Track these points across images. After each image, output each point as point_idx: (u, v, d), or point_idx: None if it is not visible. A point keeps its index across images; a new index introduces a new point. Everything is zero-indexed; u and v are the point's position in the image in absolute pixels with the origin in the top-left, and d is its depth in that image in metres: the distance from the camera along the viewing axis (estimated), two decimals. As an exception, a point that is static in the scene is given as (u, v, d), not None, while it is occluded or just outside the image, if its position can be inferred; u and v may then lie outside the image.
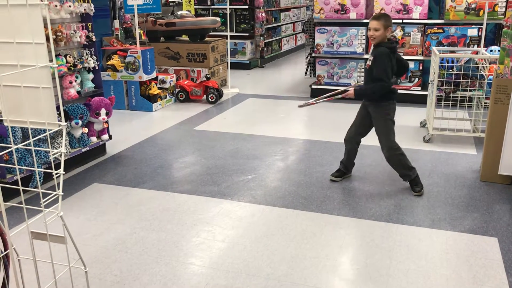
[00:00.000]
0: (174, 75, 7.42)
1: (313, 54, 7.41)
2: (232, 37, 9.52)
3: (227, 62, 8.22)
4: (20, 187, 1.74)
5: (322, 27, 7.13)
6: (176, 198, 3.82)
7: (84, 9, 4.42)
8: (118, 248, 3.05)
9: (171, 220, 3.44)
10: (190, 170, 4.41)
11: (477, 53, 5.85)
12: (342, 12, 6.96)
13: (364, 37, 6.93)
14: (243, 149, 4.98)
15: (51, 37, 1.72)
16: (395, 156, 3.82)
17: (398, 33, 6.71)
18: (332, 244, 3.09)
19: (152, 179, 4.21)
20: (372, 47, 3.80)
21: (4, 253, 2.01)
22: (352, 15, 6.93)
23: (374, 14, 3.81)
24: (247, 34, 10.09)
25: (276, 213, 3.54)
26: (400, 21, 6.73)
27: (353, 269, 2.82)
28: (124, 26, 8.22)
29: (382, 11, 6.75)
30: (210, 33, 8.49)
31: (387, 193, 3.86)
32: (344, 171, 4.13)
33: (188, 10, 8.84)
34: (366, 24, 6.94)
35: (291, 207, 3.62)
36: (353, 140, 4.03)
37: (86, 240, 3.14)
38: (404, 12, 6.68)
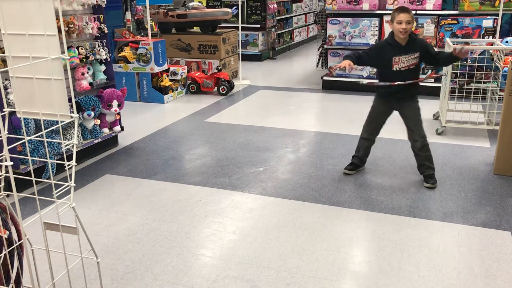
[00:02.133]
0: (186, 66, 7.42)
1: (325, 46, 7.36)
2: (243, 28, 9.48)
3: (239, 54, 8.20)
4: (33, 178, 1.76)
5: (334, 18, 7.06)
6: (187, 189, 3.84)
7: (96, 1, 4.42)
8: (130, 239, 3.08)
9: (182, 211, 3.46)
10: (201, 162, 4.42)
11: (492, 44, 5.76)
12: (354, 3, 6.89)
13: (377, 29, 6.86)
14: (254, 141, 4.98)
15: (63, 29, 1.72)
16: (426, 147, 3.80)
17: (412, 24, 6.62)
18: (343, 237, 3.08)
19: (163, 170, 4.23)
20: (395, 43, 3.66)
21: (18, 243, 2.03)
22: (365, 6, 6.85)
23: (397, 8, 3.62)
24: (259, 26, 10.05)
25: (287, 205, 3.54)
26: (414, 12, 6.63)
27: (364, 262, 2.82)
28: (135, 17, 8.23)
29: (396, 3, 6.67)
30: (222, 25, 8.45)
31: (398, 186, 3.83)
32: (358, 164, 4.10)
33: (199, 2, 8.82)
34: (378, 15, 6.87)
35: (302, 200, 3.62)
36: (373, 138, 4.02)
37: (98, 231, 3.17)
38: (418, 3, 6.59)
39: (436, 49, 6.24)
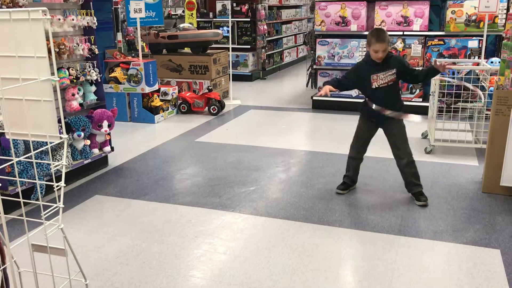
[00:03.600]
0: (176, 87, 7.45)
1: (315, 66, 7.45)
2: (234, 49, 9.58)
3: (229, 74, 8.26)
4: (21, 199, 1.75)
5: (323, 39, 7.17)
6: (177, 210, 3.82)
7: (87, 22, 4.46)
8: (119, 260, 3.05)
9: (172, 232, 3.44)
10: (192, 182, 4.41)
11: (477, 64, 5.87)
12: (343, 25, 7.01)
13: (365, 49, 6.96)
14: (245, 161, 4.99)
15: (53, 50, 1.73)
16: (413, 164, 3.85)
17: (399, 45, 6.74)
18: (334, 256, 3.07)
19: (153, 191, 4.21)
20: (371, 65, 3.75)
21: (3, 266, 2.01)
22: (353, 27, 6.97)
23: (373, 33, 3.64)
24: (249, 46, 10.16)
25: (278, 225, 3.53)
26: (401, 33, 6.77)
27: (355, 282, 2.81)
28: (126, 38, 8.29)
29: (383, 24, 6.79)
30: (212, 45, 8.54)
31: (389, 205, 3.85)
32: (349, 184, 4.12)
33: (190, 23, 8.91)
34: (367, 36, 6.97)
35: (293, 219, 3.62)
36: (361, 156, 4.06)
37: (87, 252, 3.14)
38: (405, 24, 6.72)
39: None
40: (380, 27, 6.25)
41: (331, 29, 7.09)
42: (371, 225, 3.50)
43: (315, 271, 2.90)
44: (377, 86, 3.74)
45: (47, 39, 1.72)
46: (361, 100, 4.04)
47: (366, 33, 6.95)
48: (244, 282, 2.79)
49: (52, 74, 1.72)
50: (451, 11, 6.43)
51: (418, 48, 6.70)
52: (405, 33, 6.76)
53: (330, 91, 3.74)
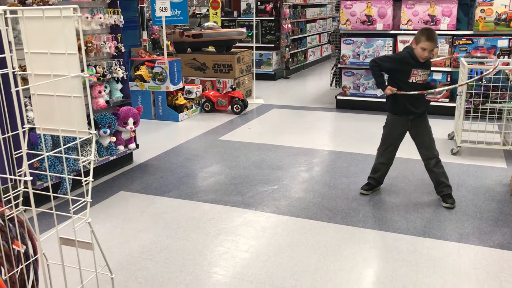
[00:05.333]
0: (200, 85, 7.50)
1: (339, 65, 7.40)
2: (257, 48, 9.58)
3: (253, 73, 8.27)
4: (51, 194, 1.79)
5: (348, 38, 7.11)
6: (200, 207, 3.85)
7: (114, 21, 4.53)
8: (143, 255, 3.09)
9: (195, 229, 3.46)
10: (215, 180, 4.44)
11: (507, 64, 5.73)
12: (368, 23, 6.94)
13: (391, 48, 6.88)
14: (268, 160, 4.99)
15: (83, 48, 1.76)
16: (440, 163, 3.81)
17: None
18: (357, 257, 3.05)
19: (177, 188, 4.25)
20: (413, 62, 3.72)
21: (34, 258, 2.06)
22: (379, 26, 6.90)
23: (425, 31, 3.61)
24: (273, 45, 10.15)
25: (300, 224, 3.52)
26: (428, 32, 6.65)
27: (378, 283, 2.78)
28: (152, 37, 8.38)
29: (409, 23, 6.70)
30: (236, 44, 8.56)
31: (413, 206, 3.80)
32: (374, 184, 4.08)
33: (214, 22, 8.95)
34: (393, 35, 6.90)
35: (316, 219, 3.60)
36: (391, 161, 4.02)
37: (112, 247, 3.19)
38: (432, 23, 6.61)
39: (449, 69, 6.25)
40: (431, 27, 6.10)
41: (356, 28, 7.03)
42: (395, 226, 3.46)
43: (338, 271, 2.89)
44: (414, 81, 3.72)
45: (77, 37, 1.75)
46: (385, 100, 3.97)
47: (392, 32, 6.89)
48: (267, 280, 2.80)
49: (82, 71, 1.75)
50: (480, 10, 6.29)
51: (445, 47, 6.58)
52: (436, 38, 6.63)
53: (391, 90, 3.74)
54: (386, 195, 4.03)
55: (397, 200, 3.93)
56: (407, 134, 3.90)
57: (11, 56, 1.61)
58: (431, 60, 3.97)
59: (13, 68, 1.60)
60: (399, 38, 6.80)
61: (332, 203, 3.88)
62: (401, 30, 6.82)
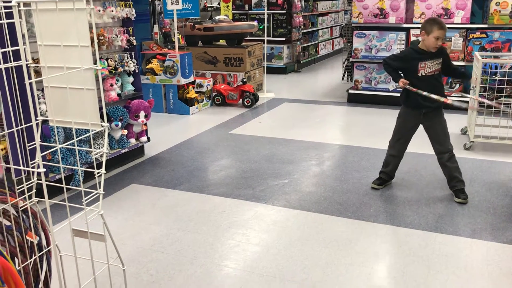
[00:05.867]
0: (211, 79, 7.50)
1: (351, 59, 7.34)
2: (269, 41, 9.54)
3: (264, 67, 8.25)
4: (64, 185, 1.80)
5: (361, 31, 7.05)
6: (211, 200, 3.85)
7: (126, 14, 4.53)
8: (154, 248, 3.10)
9: (206, 222, 3.47)
10: (226, 173, 4.44)
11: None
12: (381, 17, 6.87)
13: (403, 42, 6.81)
14: (278, 154, 4.98)
15: (96, 40, 1.77)
16: (454, 158, 3.77)
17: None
18: (368, 252, 3.04)
19: (188, 181, 4.26)
20: (420, 53, 3.68)
21: (47, 249, 2.08)
22: (392, 19, 6.83)
23: (435, 21, 3.59)
24: (284, 39, 10.10)
25: (311, 218, 3.51)
26: (441, 25, 6.57)
27: (389, 278, 2.77)
28: (163, 30, 8.39)
29: (423, 16, 6.62)
30: (247, 38, 8.53)
31: (425, 201, 3.77)
32: (385, 179, 4.05)
33: (226, 15, 8.93)
34: (406, 29, 6.83)
35: (326, 213, 3.59)
36: (403, 154, 3.99)
37: (124, 239, 3.21)
38: (446, 17, 6.52)
39: (463, 63, 6.17)
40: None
41: (368, 21, 6.96)
42: (406, 221, 3.44)
43: (348, 265, 2.88)
44: (423, 74, 3.67)
45: (89, 30, 1.75)
46: (399, 94, 3.95)
47: (405, 25, 6.81)
48: (277, 274, 2.80)
49: (94, 63, 1.75)
50: (496, 3, 6.20)
51: (459, 41, 6.50)
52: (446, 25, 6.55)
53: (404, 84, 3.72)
54: (397, 190, 4.00)
55: (409, 194, 3.90)
56: (421, 128, 3.86)
57: (24, 49, 1.62)
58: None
59: (27, 61, 1.61)
60: (412, 31, 6.73)
61: (343, 197, 3.87)
62: (414, 23, 6.74)
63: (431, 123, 3.79)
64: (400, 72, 3.80)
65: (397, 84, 3.79)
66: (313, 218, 3.52)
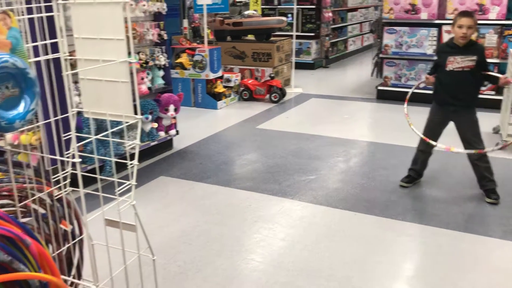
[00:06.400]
0: (239, 74, 7.52)
1: (381, 55, 7.25)
2: (297, 36, 9.49)
3: (292, 62, 8.22)
4: (98, 176, 1.85)
5: (391, 27, 6.95)
6: (238, 194, 3.88)
7: (157, 8, 4.58)
8: (182, 239, 3.15)
9: (233, 215, 3.50)
10: (252, 168, 4.46)
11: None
12: (412, 12, 6.75)
13: (435, 38, 6.68)
14: (305, 149, 4.97)
15: (131, 34, 1.80)
16: (485, 158, 3.69)
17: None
18: (395, 250, 3.01)
19: (215, 174, 4.30)
20: (452, 47, 3.62)
21: (80, 237, 2.14)
22: (423, 15, 6.70)
23: (460, 11, 3.60)
24: (313, 34, 10.03)
25: (338, 215, 3.50)
26: (475, 21, 6.41)
27: (417, 277, 2.74)
28: (192, 25, 8.44)
29: (455, 12, 6.47)
30: (276, 33, 8.51)
31: (455, 200, 3.70)
32: (414, 177, 4.00)
33: (255, 10, 8.92)
34: (437, 25, 6.69)
35: (353, 210, 3.57)
36: (431, 150, 3.92)
37: (152, 230, 3.26)
38: (480, 13, 6.36)
39: (497, 60, 6.00)
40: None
41: (399, 17, 6.85)
42: (435, 220, 3.39)
43: (375, 263, 2.86)
44: (451, 68, 3.59)
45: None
46: (430, 92, 3.89)
47: (437, 21, 6.67)
48: (303, 269, 2.80)
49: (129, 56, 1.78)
50: (533, -1, 6.01)
51: (494, 38, 6.33)
52: (480, 22, 6.39)
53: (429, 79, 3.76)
54: (426, 188, 3.94)
55: (438, 193, 3.84)
56: (451, 125, 3.78)
57: (62, 41, 1.66)
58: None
59: (64, 53, 1.65)
60: (444, 28, 6.59)
61: (370, 194, 3.83)
62: (446, 19, 6.60)
63: (461, 121, 3.71)
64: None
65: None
66: (340, 214, 3.50)
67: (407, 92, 3.56)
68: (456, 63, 3.58)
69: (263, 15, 9.49)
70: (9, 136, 3.30)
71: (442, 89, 3.70)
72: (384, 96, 7.20)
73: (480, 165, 3.69)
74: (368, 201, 3.72)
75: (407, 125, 3.74)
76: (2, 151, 3.89)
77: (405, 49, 6.89)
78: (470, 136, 3.68)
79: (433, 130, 3.84)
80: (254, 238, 3.18)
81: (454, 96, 3.62)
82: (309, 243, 3.09)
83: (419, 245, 3.09)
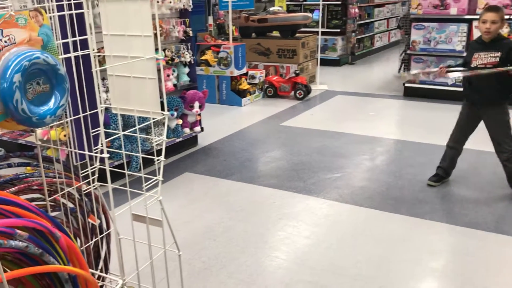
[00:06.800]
0: (264, 70, 7.50)
1: (408, 51, 7.12)
2: (323, 33, 9.42)
3: (317, 59, 8.16)
4: (126, 171, 1.86)
5: (419, 23, 6.82)
6: (262, 191, 3.87)
7: (183, 5, 4.61)
8: (207, 235, 3.16)
9: (257, 212, 3.50)
10: (276, 165, 4.45)
11: None
12: (441, 8, 6.61)
13: (465, 34, 6.53)
14: (330, 147, 4.93)
15: (158, 31, 1.81)
16: None
17: (505, 29, 6.23)
18: (423, 250, 2.96)
19: (239, 171, 4.30)
20: (479, 43, 3.55)
21: (107, 232, 2.16)
22: (453, 10, 6.55)
23: (487, 5, 3.54)
24: (339, 30, 9.93)
25: (364, 214, 3.46)
26: (508, 16, 6.23)
27: (445, 277, 2.68)
28: (217, 22, 8.47)
29: (486, 6, 6.30)
30: (301, 29, 8.46)
31: (485, 200, 3.62)
32: (442, 176, 3.92)
33: (280, 6, 8.89)
34: (467, 21, 6.53)
35: (380, 209, 3.52)
36: (459, 146, 3.83)
37: (177, 226, 3.29)
38: (512, 7, 6.19)
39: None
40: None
41: (428, 13, 6.71)
42: (464, 220, 3.31)
43: (402, 262, 2.81)
44: (475, 65, 3.53)
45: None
46: (459, 89, 3.81)
47: (467, 17, 6.52)
48: (329, 267, 2.78)
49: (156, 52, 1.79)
50: None
51: (526, 33, 6.14)
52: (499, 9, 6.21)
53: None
54: (455, 187, 3.86)
55: (467, 193, 3.76)
56: (481, 123, 3.69)
57: (91, 38, 1.68)
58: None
59: (93, 50, 1.67)
60: (475, 23, 6.43)
61: (397, 193, 3.78)
62: (476, 14, 6.43)
63: (489, 120, 3.61)
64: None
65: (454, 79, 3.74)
66: (366, 213, 3.46)
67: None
68: (479, 59, 3.50)
69: (288, 11, 9.45)
70: (39, 131, 3.37)
71: (469, 86, 3.63)
72: (411, 94, 7.08)
73: (509, 166, 3.59)
74: (395, 199, 3.66)
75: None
76: (32, 146, 3.97)
77: (433, 45, 6.76)
78: (501, 136, 3.57)
79: (462, 128, 3.76)
80: (278, 235, 3.17)
81: (480, 93, 3.56)
82: (334, 242, 3.07)
83: (446, 245, 3.03)
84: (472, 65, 3.53)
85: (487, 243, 3.02)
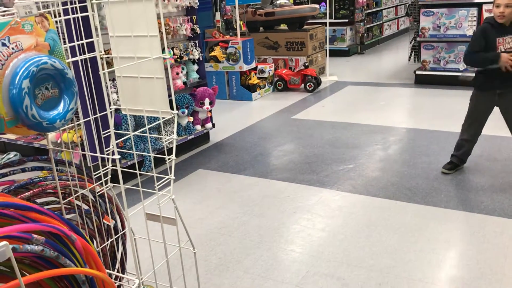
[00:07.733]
0: (273, 64, 7.48)
1: (418, 38, 7.04)
2: (331, 23, 9.36)
3: (326, 50, 8.11)
4: (138, 171, 1.88)
5: (428, 9, 6.73)
6: (275, 185, 3.87)
7: (189, 3, 4.61)
8: (221, 231, 3.17)
9: (271, 206, 3.50)
10: (289, 158, 4.44)
11: None
12: (450, -8, 6.51)
13: (475, 19, 6.43)
14: (342, 138, 4.90)
15: (164, 30, 1.81)
16: None
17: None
18: (439, 238, 2.93)
19: (252, 166, 4.30)
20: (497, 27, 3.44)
21: (122, 232, 2.18)
22: (462, -5, 6.45)
23: None
24: (347, 20, 9.86)
25: (378, 204, 3.44)
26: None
27: (462, 265, 2.66)
28: (225, 18, 8.45)
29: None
30: (309, 21, 8.41)
31: (500, 186, 3.57)
32: (457, 163, 3.87)
33: (286, -1, 8.83)
34: (477, 4, 6.43)
35: (394, 199, 3.50)
36: (476, 138, 3.77)
37: (192, 223, 3.31)
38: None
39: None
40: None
41: (436, -2, 6.62)
42: (480, 207, 3.28)
43: (418, 252, 2.80)
44: (503, 50, 3.43)
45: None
46: (474, 74, 3.73)
47: (477, 1, 6.42)
48: (344, 259, 2.77)
49: (163, 52, 1.79)
50: None
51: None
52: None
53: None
54: (470, 174, 3.82)
55: (482, 179, 3.71)
56: (495, 108, 3.63)
57: (97, 41, 1.69)
58: None
59: (100, 52, 1.68)
60: (485, 6, 6.33)
61: (411, 182, 3.75)
62: (487, -3, 6.34)
63: (507, 105, 3.55)
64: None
65: (496, 64, 3.39)
66: (380, 203, 3.44)
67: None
68: (506, 43, 3.42)
69: (295, 3, 9.39)
70: (52, 135, 3.40)
71: (488, 72, 3.52)
72: (422, 81, 7.01)
73: None
74: (409, 189, 3.63)
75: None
76: (46, 149, 4.02)
77: (443, 31, 6.67)
78: None
79: (477, 118, 3.69)
80: (293, 229, 3.17)
81: (503, 79, 3.46)
82: (349, 233, 3.06)
83: (463, 233, 3.00)
84: (499, 50, 3.43)
85: (504, 229, 2.98)
